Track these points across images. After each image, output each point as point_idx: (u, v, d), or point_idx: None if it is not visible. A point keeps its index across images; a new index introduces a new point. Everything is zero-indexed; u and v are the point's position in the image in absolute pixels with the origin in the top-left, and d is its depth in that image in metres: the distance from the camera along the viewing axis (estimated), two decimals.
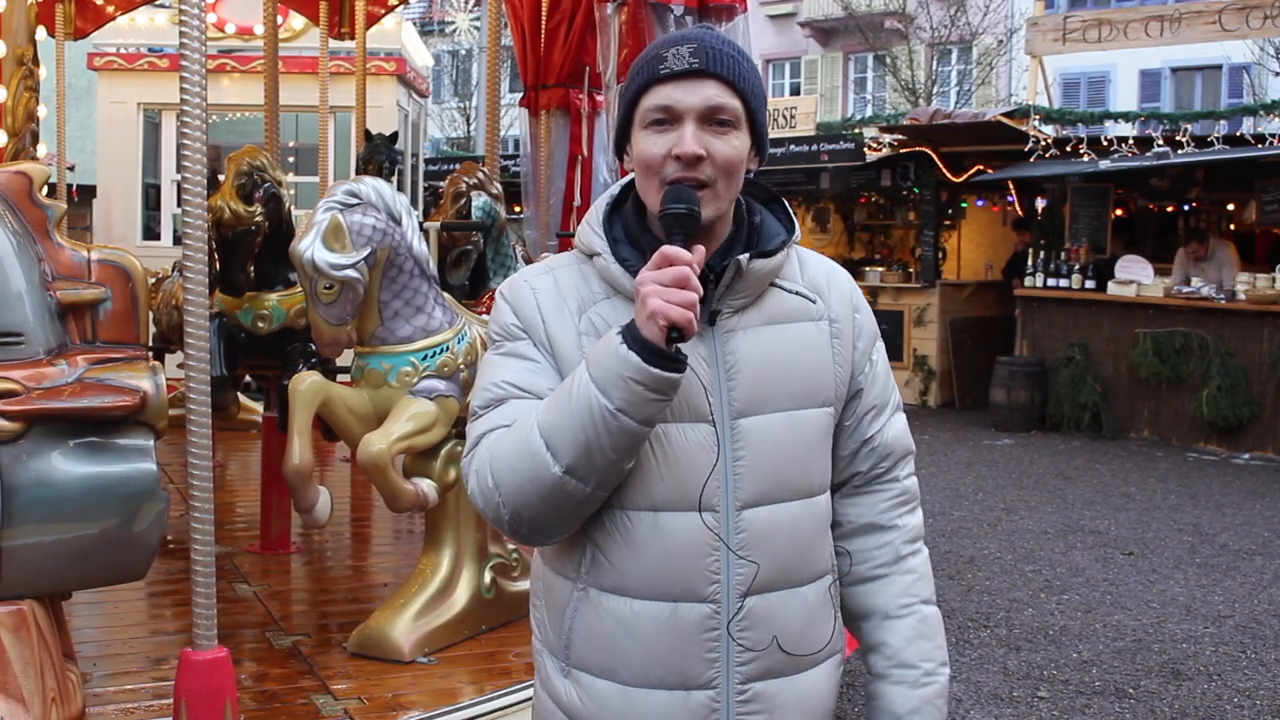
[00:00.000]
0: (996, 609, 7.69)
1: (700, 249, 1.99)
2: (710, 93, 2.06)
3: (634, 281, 1.97)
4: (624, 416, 1.93)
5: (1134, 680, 6.49)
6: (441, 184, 6.66)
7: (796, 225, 2.25)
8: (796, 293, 2.20)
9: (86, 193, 15.47)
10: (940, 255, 17.42)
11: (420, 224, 5.01)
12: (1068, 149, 15.00)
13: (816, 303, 2.21)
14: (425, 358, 4.71)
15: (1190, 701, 6.22)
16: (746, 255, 2.11)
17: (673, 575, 2.07)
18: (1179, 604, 7.86)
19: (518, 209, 10.93)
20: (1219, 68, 29.22)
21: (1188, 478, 12.16)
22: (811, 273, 2.25)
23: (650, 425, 1.97)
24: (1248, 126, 16.33)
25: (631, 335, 1.91)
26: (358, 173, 8.20)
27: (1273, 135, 14.02)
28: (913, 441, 2.36)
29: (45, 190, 3.68)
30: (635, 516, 2.07)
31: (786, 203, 2.28)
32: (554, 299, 2.15)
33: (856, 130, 18.26)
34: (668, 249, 1.94)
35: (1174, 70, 30.37)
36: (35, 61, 4.07)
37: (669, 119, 2.07)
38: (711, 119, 2.07)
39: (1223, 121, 15.29)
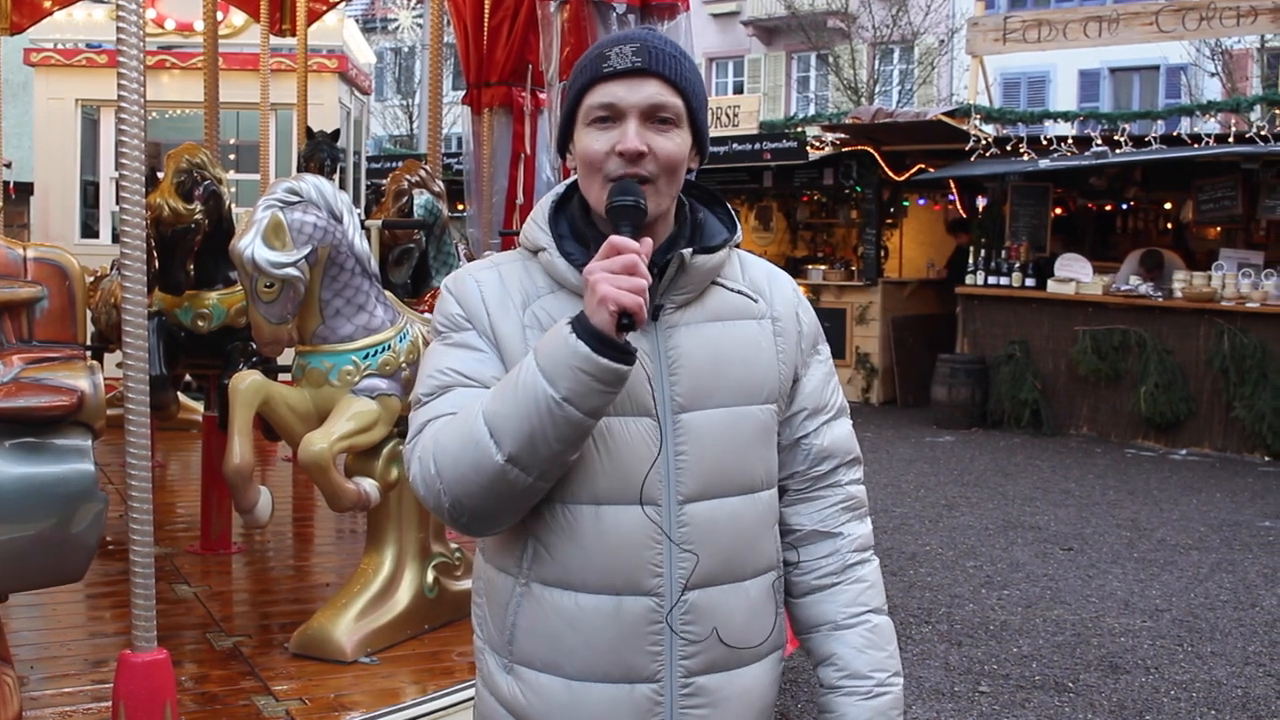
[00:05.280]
0: (938, 604, 7.75)
1: (648, 240, 2.00)
2: (652, 91, 2.09)
3: (583, 272, 1.98)
4: (569, 407, 1.92)
5: (1073, 674, 6.56)
6: (383, 182, 6.63)
7: (738, 226, 2.27)
8: (739, 291, 2.22)
9: (24, 190, 15.30)
10: (882, 253, 17.53)
11: (362, 222, 4.98)
12: (1008, 148, 15.15)
13: (759, 302, 2.23)
14: (367, 356, 4.68)
15: (1128, 695, 6.29)
16: (690, 250, 2.13)
17: (616, 568, 2.08)
18: (1117, 598, 7.94)
19: (460, 207, 10.92)
20: (1156, 68, 29.60)
21: (1126, 473, 12.30)
22: (753, 274, 2.28)
23: (596, 417, 1.97)
24: (1185, 126, 16.53)
25: (581, 326, 1.92)
26: (299, 170, 8.14)
27: (1209, 135, 14.22)
28: (858, 449, 2.37)
29: None
30: (577, 510, 2.08)
31: (729, 205, 2.30)
32: (498, 292, 2.16)
33: (799, 129, 18.34)
34: (616, 238, 1.95)
35: (1112, 71, 30.72)
36: None
37: (612, 116, 2.09)
38: (654, 116, 2.09)
39: (1160, 121, 15.47)
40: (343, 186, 9.58)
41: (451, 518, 2.08)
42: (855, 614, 2.27)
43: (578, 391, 1.92)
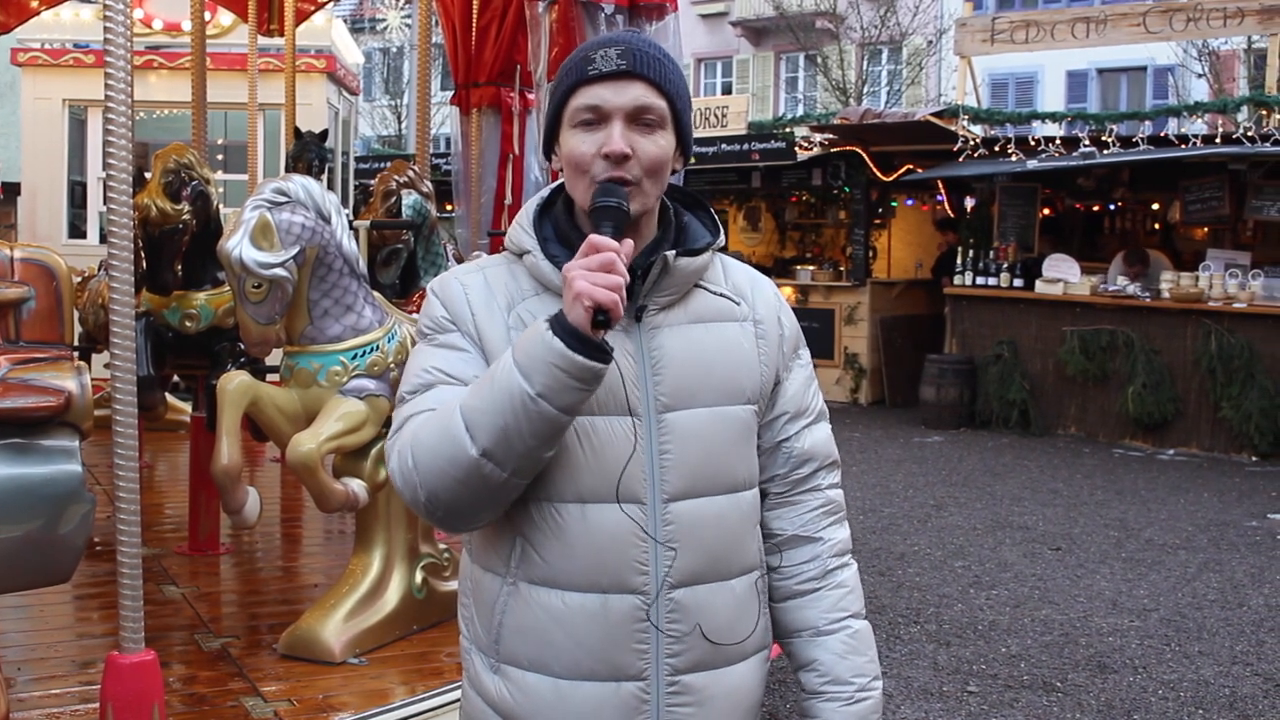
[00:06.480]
0: (926, 604, 7.76)
1: (629, 241, 2.01)
2: (637, 93, 2.10)
3: (562, 270, 1.98)
4: (543, 402, 1.93)
5: (1061, 674, 6.57)
6: (372, 182, 6.62)
7: (721, 230, 2.28)
8: (721, 294, 2.24)
9: (11, 190, 15.27)
10: (871, 254, 17.54)
11: (350, 222, 4.98)
12: (996, 149, 15.17)
13: (740, 305, 2.25)
14: (355, 357, 4.68)
15: (1116, 694, 6.30)
16: (673, 252, 2.15)
17: (602, 567, 2.09)
18: (1105, 598, 7.96)
19: (449, 207, 10.93)
20: (1144, 69, 29.69)
21: (1113, 473, 12.33)
22: (735, 278, 2.29)
23: (571, 414, 1.98)
24: (1172, 127, 16.55)
25: (560, 323, 1.93)
26: (287, 171, 8.13)
27: (1196, 136, 14.24)
28: (837, 452, 2.39)
29: None
30: (563, 509, 2.09)
31: (712, 209, 2.31)
32: (483, 295, 2.17)
33: (788, 129, 18.31)
34: (595, 237, 1.96)
35: (1100, 71, 30.80)
36: None
37: (597, 119, 2.10)
38: (638, 119, 2.10)
39: (1147, 122, 15.49)
40: (331, 187, 9.57)
41: (427, 512, 2.09)
42: (836, 619, 2.29)
43: (552, 387, 1.92)
